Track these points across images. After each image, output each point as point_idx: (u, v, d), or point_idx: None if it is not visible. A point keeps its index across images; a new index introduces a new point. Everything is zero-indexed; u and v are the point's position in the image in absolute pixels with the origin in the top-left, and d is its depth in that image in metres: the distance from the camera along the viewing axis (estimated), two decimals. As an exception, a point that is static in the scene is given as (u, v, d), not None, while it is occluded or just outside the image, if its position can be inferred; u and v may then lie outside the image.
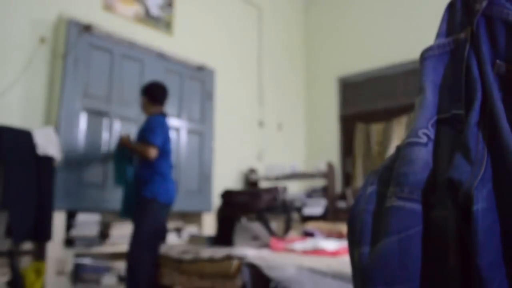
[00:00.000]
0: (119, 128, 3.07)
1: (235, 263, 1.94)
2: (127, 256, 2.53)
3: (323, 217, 3.84)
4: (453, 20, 0.62)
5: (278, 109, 4.89)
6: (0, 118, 2.64)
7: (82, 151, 2.84)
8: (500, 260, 0.47)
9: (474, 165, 0.51)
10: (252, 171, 4.35)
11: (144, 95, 2.73)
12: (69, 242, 2.77)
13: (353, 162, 4.75)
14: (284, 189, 2.53)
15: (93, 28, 2.94)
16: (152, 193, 2.54)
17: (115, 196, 2.97)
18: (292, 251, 2.11)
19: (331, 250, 2.06)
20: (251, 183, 4.32)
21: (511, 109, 0.51)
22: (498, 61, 0.54)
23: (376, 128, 4.61)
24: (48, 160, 2.58)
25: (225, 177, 4.12)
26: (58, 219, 2.65)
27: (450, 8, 0.63)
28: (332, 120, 5.00)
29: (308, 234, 2.58)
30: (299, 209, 3.99)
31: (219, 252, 2.05)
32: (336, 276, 1.71)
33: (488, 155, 0.51)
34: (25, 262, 2.62)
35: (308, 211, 3.97)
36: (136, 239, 2.49)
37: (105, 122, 3.00)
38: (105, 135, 2.99)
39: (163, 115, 2.71)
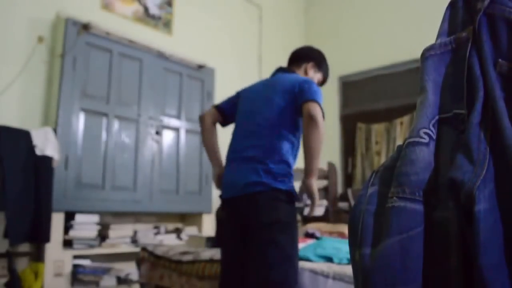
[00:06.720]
0: (118, 128, 3.06)
1: (234, 263, 1.93)
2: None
3: (324, 218, 3.83)
4: (454, 19, 0.62)
5: (277, 109, 4.86)
6: (-2, 118, 2.64)
7: (81, 152, 2.83)
8: (502, 260, 0.46)
9: (476, 165, 0.50)
10: (251, 171, 4.33)
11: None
12: (68, 243, 2.76)
13: (354, 163, 4.74)
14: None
15: (91, 27, 2.93)
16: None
17: (114, 197, 2.96)
18: (291, 251, 2.10)
19: (331, 250, 2.05)
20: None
21: (513, 109, 0.51)
22: (500, 60, 0.53)
23: (377, 128, 4.60)
24: (46, 160, 2.57)
25: (225, 178, 4.10)
26: (57, 220, 2.64)
27: (451, 7, 0.63)
28: (333, 120, 4.98)
29: (309, 235, 2.57)
30: (300, 210, 3.98)
31: (219, 253, 2.04)
32: (337, 277, 1.71)
33: (490, 155, 0.51)
34: (23, 264, 2.61)
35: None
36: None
37: (104, 122, 2.99)
38: (103, 135, 2.98)
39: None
